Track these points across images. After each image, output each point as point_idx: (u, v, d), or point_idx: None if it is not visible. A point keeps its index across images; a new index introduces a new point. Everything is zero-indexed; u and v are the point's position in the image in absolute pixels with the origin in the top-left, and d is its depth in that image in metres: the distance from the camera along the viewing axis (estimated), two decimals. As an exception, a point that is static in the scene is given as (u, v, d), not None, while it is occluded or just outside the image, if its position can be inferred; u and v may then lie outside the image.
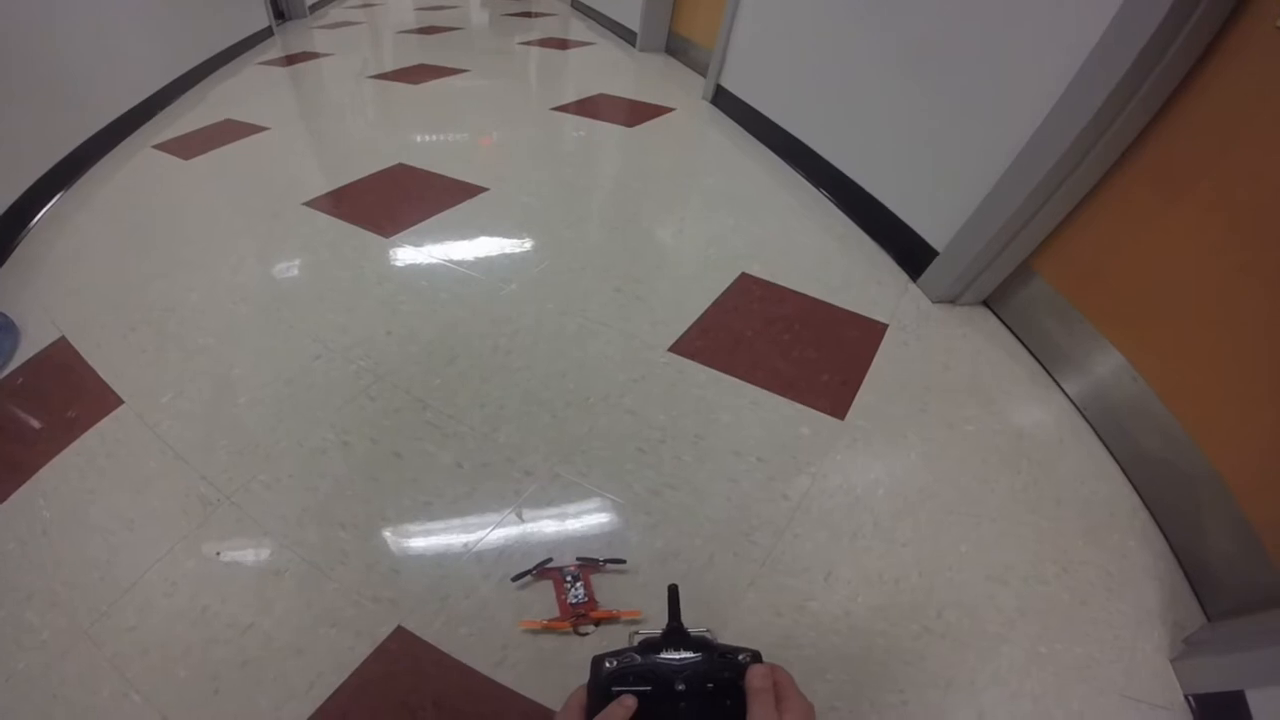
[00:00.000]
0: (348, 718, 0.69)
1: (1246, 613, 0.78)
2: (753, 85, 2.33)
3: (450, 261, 1.46)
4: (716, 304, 1.35)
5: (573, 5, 5.40)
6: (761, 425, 1.06)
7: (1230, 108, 0.91)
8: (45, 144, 1.84)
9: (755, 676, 0.33)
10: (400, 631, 0.76)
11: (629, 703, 0.33)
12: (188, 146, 2.16)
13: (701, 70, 2.84)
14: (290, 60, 3.43)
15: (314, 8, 5.21)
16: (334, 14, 5.02)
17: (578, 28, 4.41)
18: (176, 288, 1.37)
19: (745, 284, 1.42)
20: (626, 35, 3.82)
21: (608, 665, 0.35)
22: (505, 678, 0.72)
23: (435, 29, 4.25)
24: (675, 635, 0.37)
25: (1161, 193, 1.02)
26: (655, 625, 0.40)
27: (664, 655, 0.35)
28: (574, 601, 0.78)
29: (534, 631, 0.76)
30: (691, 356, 1.20)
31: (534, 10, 5.25)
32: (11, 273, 1.48)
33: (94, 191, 1.87)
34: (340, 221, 1.61)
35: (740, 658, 0.35)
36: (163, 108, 2.58)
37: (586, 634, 0.76)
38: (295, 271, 1.44)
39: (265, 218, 1.65)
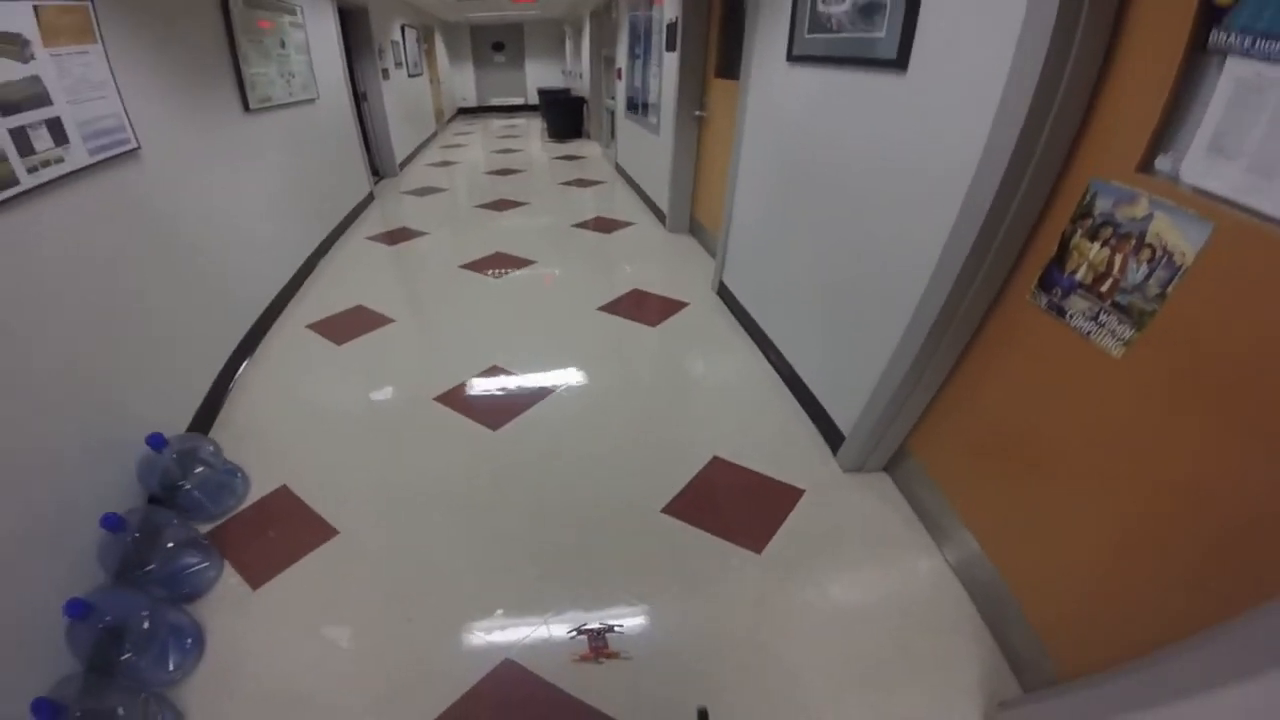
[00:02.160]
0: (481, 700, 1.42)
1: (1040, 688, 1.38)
2: (741, 285, 3.16)
3: (537, 448, 2.28)
4: (694, 480, 2.10)
5: (616, 169, 6.54)
6: (708, 554, 1.78)
7: (996, 363, 1.65)
8: (230, 327, 2.76)
9: None
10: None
11: None
12: (335, 331, 3.11)
13: (715, 254, 3.71)
14: (393, 239, 4.51)
15: (402, 165, 6.61)
16: (417, 172, 6.36)
17: (622, 199, 5.46)
18: (353, 452, 2.21)
19: (715, 463, 2.18)
20: (659, 214, 4.81)
21: None
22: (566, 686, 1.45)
23: (505, 203, 5.37)
24: None
25: (967, 405, 1.74)
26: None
27: None
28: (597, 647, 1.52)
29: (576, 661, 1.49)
30: (674, 515, 1.95)
31: (588, 179, 6.41)
32: (224, 431, 2.33)
33: (271, 364, 2.82)
34: (459, 416, 2.46)
35: None
36: (304, 280, 3.63)
37: (601, 664, 1.48)
38: (427, 447, 2.27)
39: (408, 409, 2.52)
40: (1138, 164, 1.18)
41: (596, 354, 2.93)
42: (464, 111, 13.61)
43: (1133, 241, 1.19)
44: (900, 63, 1.67)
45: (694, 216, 4.44)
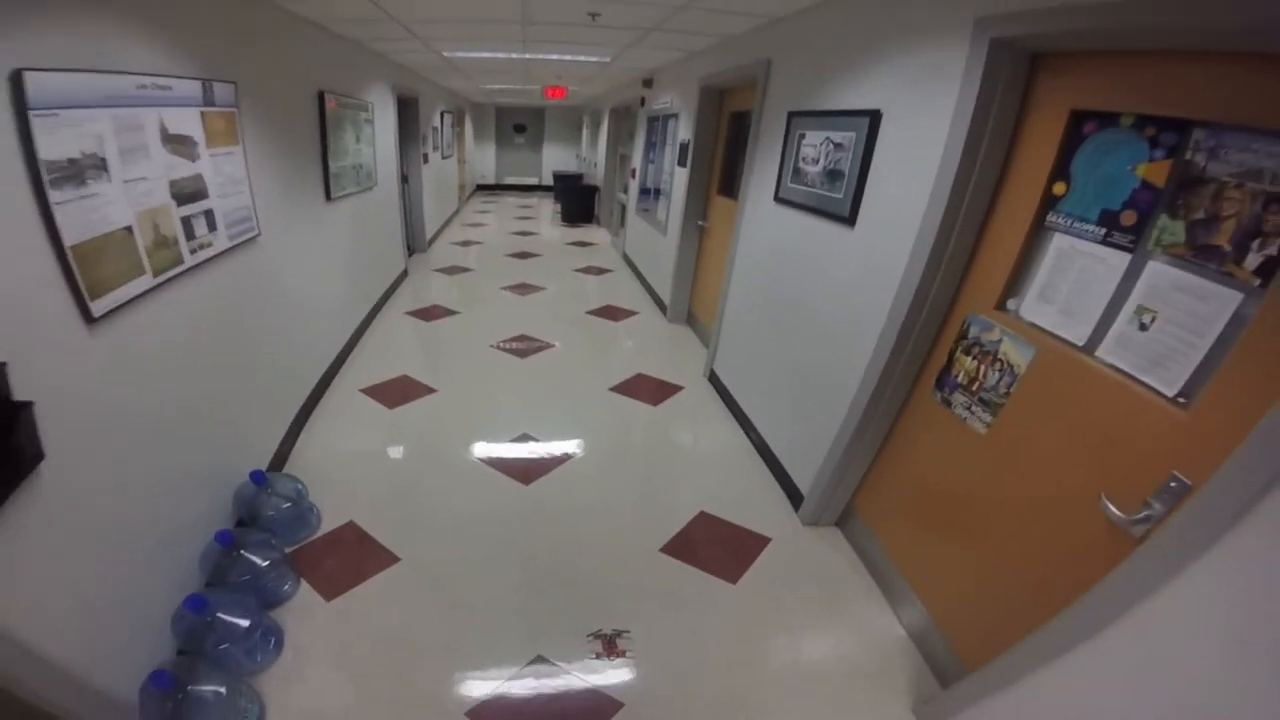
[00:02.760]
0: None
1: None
2: (727, 372, 3.73)
3: (561, 499, 2.78)
4: (685, 528, 2.60)
5: (623, 258, 7.27)
6: (695, 583, 2.26)
7: (905, 467, 2.20)
8: (301, 383, 3.26)
9: None
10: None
11: None
12: (385, 396, 3.62)
13: (708, 343, 4.30)
14: (428, 316, 5.10)
15: (430, 240, 7.39)
16: (444, 250, 7.39)
17: (628, 288, 6.14)
18: (409, 497, 2.69)
19: (701, 516, 2.67)
20: (660, 304, 5.46)
21: None
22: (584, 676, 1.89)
23: (526, 287, 6.02)
24: None
25: (893, 472, 2.28)
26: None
27: None
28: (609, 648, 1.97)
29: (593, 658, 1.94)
30: (670, 554, 2.43)
31: (598, 266, 7.12)
32: (295, 471, 2.81)
33: (331, 419, 3.32)
34: (504, 476, 2.93)
35: None
36: (353, 347, 4.20)
37: (612, 660, 1.93)
38: (471, 495, 2.76)
39: (453, 466, 3.01)
40: (995, 304, 1.78)
41: (608, 427, 3.46)
42: (482, 188, 14.44)
43: (990, 357, 1.78)
44: (851, 220, 2.32)
45: (691, 310, 5.09)
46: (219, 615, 1.79)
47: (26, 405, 1.25)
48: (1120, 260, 1.44)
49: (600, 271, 6.93)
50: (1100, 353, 1.48)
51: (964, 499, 1.89)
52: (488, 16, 3.48)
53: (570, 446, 3.17)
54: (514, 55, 5.05)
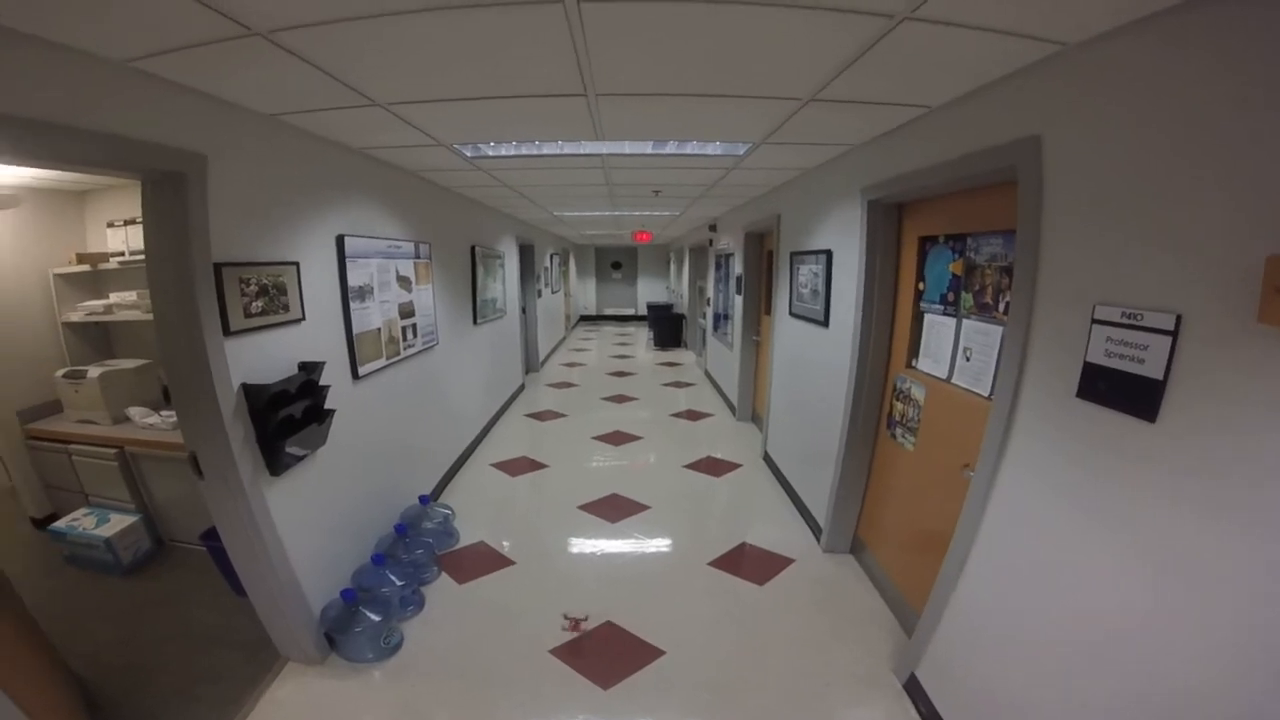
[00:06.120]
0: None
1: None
2: (775, 449, 4.58)
3: (643, 533, 3.71)
4: (730, 551, 3.42)
5: (705, 374, 8.35)
6: (733, 584, 3.05)
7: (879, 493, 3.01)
8: (452, 448, 4.57)
9: None
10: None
11: None
12: (509, 468, 4.77)
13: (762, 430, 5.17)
14: (542, 418, 6.33)
15: (542, 362, 8.77)
16: (554, 370, 8.81)
17: (707, 397, 7.18)
18: (524, 530, 3.69)
19: (744, 545, 3.49)
20: (731, 407, 6.43)
21: None
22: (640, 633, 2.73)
23: (622, 398, 7.18)
24: None
25: (876, 497, 3.06)
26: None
27: None
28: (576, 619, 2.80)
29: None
30: (716, 567, 3.26)
31: (683, 381, 8.24)
32: (446, 502, 3.92)
33: (470, 480, 4.49)
34: (597, 518, 3.93)
35: None
36: (484, 437, 5.43)
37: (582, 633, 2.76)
38: (571, 530, 3.73)
39: (558, 512, 4.03)
40: (905, 364, 2.67)
41: (678, 491, 4.39)
42: (584, 319, 16.29)
43: (908, 398, 2.65)
44: (825, 323, 3.32)
45: (755, 409, 6.01)
46: (387, 573, 2.82)
47: (332, 411, 2.48)
48: (952, 323, 2.35)
49: (684, 385, 8.03)
50: (954, 380, 2.34)
51: (908, 494, 2.68)
52: (586, 193, 4.96)
53: (648, 501, 4.12)
54: (605, 213, 6.61)
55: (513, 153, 3.10)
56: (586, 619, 2.80)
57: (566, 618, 2.80)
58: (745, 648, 2.61)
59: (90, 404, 3.32)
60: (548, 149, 3.04)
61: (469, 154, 3.07)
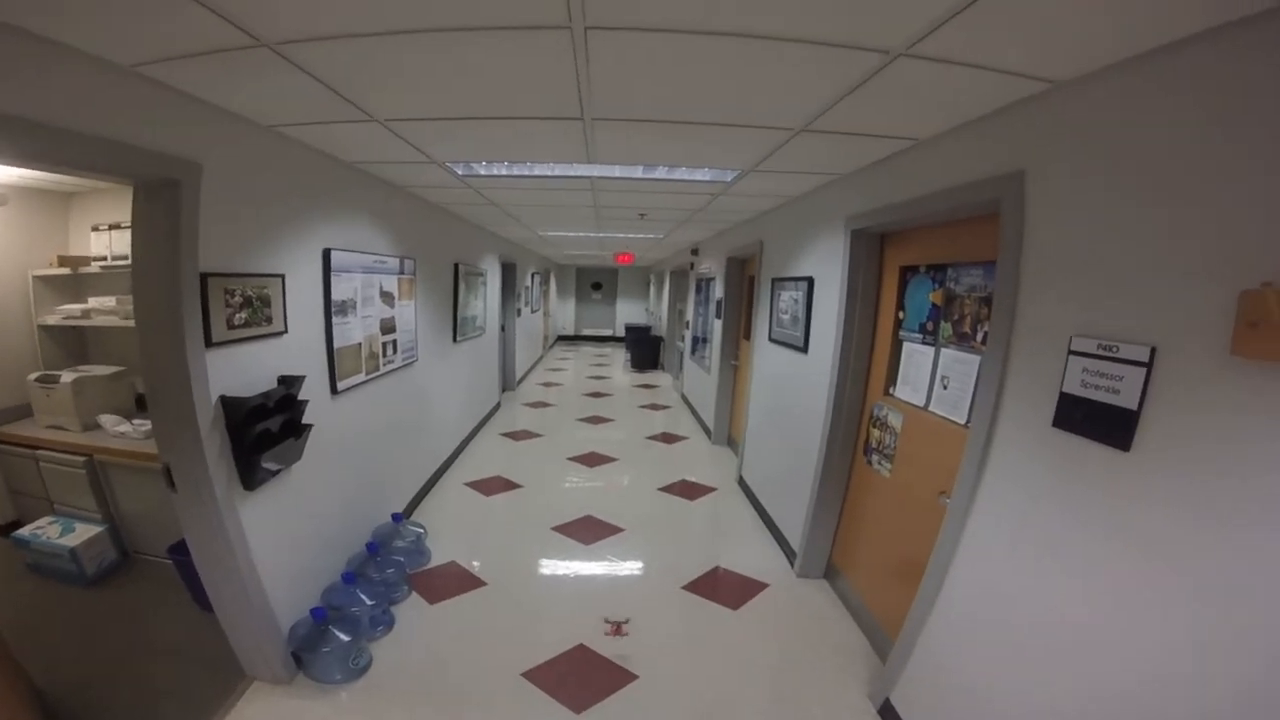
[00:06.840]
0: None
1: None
2: (750, 474, 4.62)
3: (617, 556, 3.69)
4: (704, 575, 3.42)
5: (681, 398, 8.38)
6: (705, 608, 3.05)
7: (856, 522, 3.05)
8: (426, 465, 4.49)
9: None
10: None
11: None
12: (485, 488, 4.71)
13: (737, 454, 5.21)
14: (517, 437, 6.28)
15: (519, 380, 8.72)
16: (531, 389, 8.75)
17: (683, 420, 7.20)
18: (498, 550, 3.65)
19: (718, 569, 3.49)
20: (707, 431, 6.46)
21: None
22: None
23: (598, 419, 7.17)
24: None
25: (850, 524, 3.10)
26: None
27: None
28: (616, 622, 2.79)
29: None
30: (689, 590, 3.25)
31: (659, 404, 8.27)
32: (419, 520, 3.87)
33: (443, 499, 4.42)
34: (571, 540, 3.90)
35: None
36: (458, 455, 5.36)
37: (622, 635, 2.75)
38: (544, 551, 3.69)
39: (532, 533, 3.99)
40: (883, 391, 2.73)
41: (652, 514, 4.38)
42: (563, 338, 16.22)
43: (885, 425, 2.70)
44: (805, 349, 3.38)
45: (731, 433, 6.05)
46: (358, 591, 2.77)
47: (310, 425, 2.45)
48: (930, 352, 2.41)
49: (660, 407, 8.06)
50: (931, 407, 2.40)
51: (884, 520, 2.72)
52: (573, 214, 5.01)
53: (623, 523, 4.11)
54: (590, 234, 6.67)
55: (503, 172, 3.13)
56: (628, 620, 2.93)
57: (608, 621, 2.93)
58: (719, 672, 2.60)
59: (61, 409, 3.21)
60: (538, 169, 3.07)
61: (460, 171, 3.10)
